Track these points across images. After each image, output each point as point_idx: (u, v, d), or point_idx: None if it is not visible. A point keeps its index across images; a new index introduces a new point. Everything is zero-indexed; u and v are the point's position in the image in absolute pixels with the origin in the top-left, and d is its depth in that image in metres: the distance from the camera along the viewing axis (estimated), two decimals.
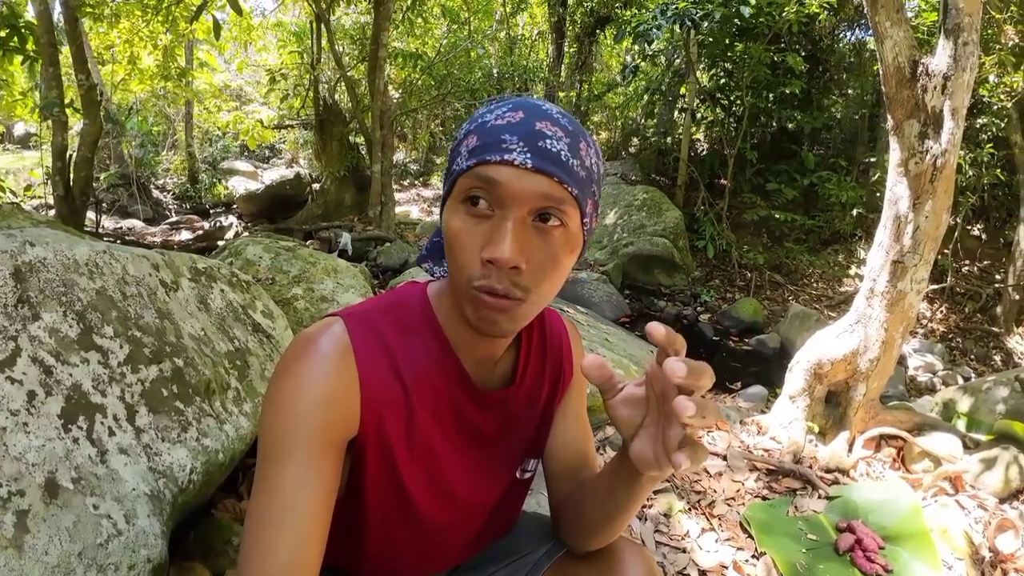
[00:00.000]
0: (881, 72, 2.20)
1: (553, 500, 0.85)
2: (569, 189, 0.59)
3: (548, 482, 0.84)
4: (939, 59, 2.09)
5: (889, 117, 2.22)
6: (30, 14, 4.73)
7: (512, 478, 0.81)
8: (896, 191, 2.24)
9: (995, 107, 5.70)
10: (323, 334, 0.65)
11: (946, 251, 6.08)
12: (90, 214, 6.37)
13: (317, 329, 0.66)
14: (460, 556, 0.85)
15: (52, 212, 5.67)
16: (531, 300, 0.62)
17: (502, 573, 0.87)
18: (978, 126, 5.98)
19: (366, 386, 0.65)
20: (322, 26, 7.64)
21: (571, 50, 10.32)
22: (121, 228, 8.50)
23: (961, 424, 2.68)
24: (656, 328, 0.52)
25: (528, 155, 0.58)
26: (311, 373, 0.62)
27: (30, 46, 3.70)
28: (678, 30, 6.86)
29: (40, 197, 7.98)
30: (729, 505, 2.03)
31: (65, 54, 5.18)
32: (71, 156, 4.78)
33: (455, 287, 0.64)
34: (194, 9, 5.23)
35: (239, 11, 4.07)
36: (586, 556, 0.82)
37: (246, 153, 14.03)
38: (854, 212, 7.12)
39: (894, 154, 2.24)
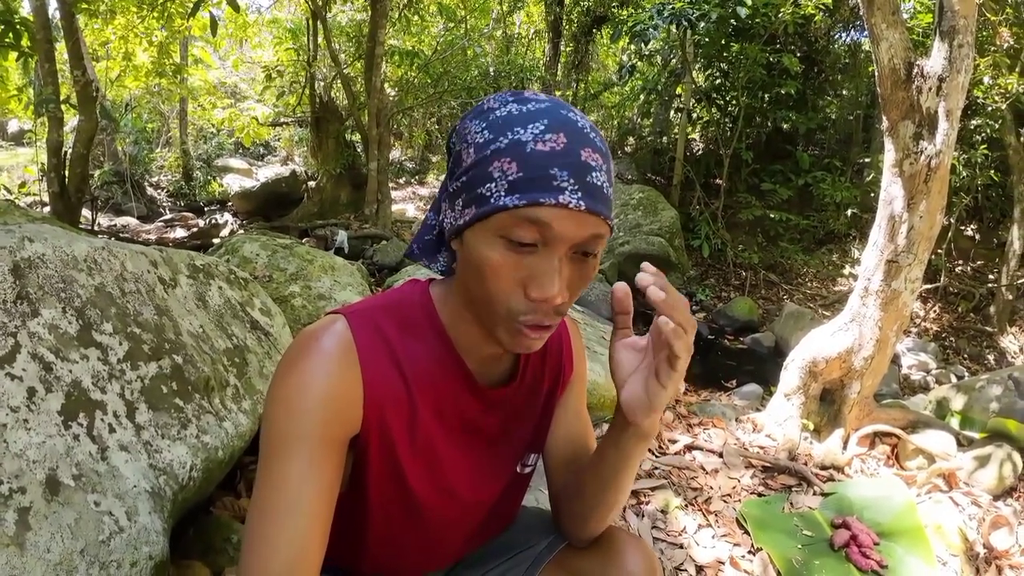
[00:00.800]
0: (877, 73, 2.21)
1: (552, 491, 0.85)
2: (610, 223, 0.62)
3: (548, 475, 0.85)
4: (934, 61, 2.11)
5: (884, 118, 2.24)
6: (25, 10, 4.70)
7: (513, 473, 0.82)
8: (891, 191, 2.25)
9: (989, 108, 5.74)
10: (326, 332, 0.66)
11: (940, 251, 6.12)
12: (85, 211, 6.34)
13: (320, 327, 0.67)
14: (461, 552, 0.85)
15: (47, 209, 5.63)
16: (562, 316, 0.65)
17: (503, 568, 0.88)
18: (972, 127, 6.02)
19: (369, 384, 0.65)
20: (318, 23, 7.62)
21: (567, 49, 10.32)
22: (115, 225, 8.46)
23: (955, 422, 2.71)
24: (643, 279, 0.58)
25: (580, 195, 0.57)
26: (314, 370, 0.63)
27: (25, 42, 3.68)
28: (674, 30, 6.87)
29: (35, 194, 7.93)
30: (725, 501, 2.04)
31: (60, 50, 5.15)
32: (66, 153, 4.76)
33: (486, 313, 0.63)
34: (190, 5, 5.21)
35: (236, 8, 4.05)
36: (587, 549, 0.83)
37: (240, 150, 13.98)
38: (848, 212, 7.16)
39: (889, 155, 2.25)
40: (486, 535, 0.86)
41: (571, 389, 0.86)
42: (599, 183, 0.58)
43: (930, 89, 2.11)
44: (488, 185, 0.58)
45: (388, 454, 0.68)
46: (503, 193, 0.57)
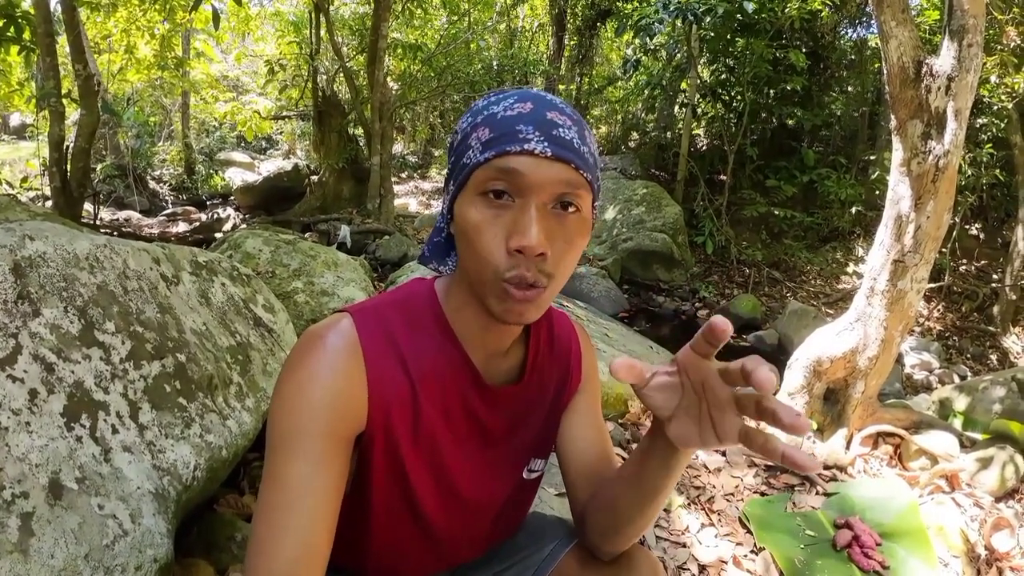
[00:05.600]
0: (885, 71, 2.19)
1: (576, 506, 0.83)
2: (584, 175, 0.62)
3: (569, 488, 0.83)
4: (943, 60, 2.09)
5: (892, 117, 2.22)
6: (27, 3, 4.68)
7: (519, 478, 0.81)
8: (898, 191, 2.24)
9: (995, 107, 5.71)
10: (331, 330, 0.66)
11: (944, 250, 6.10)
12: (87, 205, 6.33)
13: (325, 325, 0.67)
14: (465, 555, 0.84)
15: (49, 203, 5.63)
16: (553, 285, 0.63)
17: (507, 574, 0.88)
18: (978, 126, 5.98)
19: (373, 382, 0.65)
20: (321, 16, 7.58)
21: (571, 43, 10.28)
22: (118, 219, 8.46)
23: (957, 423, 2.70)
24: (722, 324, 0.52)
25: (546, 143, 0.60)
26: (319, 368, 0.63)
27: (27, 36, 3.67)
28: (680, 24, 6.83)
29: (37, 189, 7.93)
30: (728, 501, 2.04)
31: (62, 43, 5.14)
32: (68, 147, 4.75)
33: (477, 280, 0.64)
34: None
35: (238, 1, 4.03)
36: (593, 557, 0.82)
37: (243, 144, 13.97)
38: (853, 210, 7.14)
39: (897, 154, 2.23)
40: (491, 540, 0.85)
41: (583, 396, 0.85)
42: (567, 137, 0.61)
43: (939, 88, 2.09)
44: (467, 154, 0.63)
45: (392, 452, 0.68)
46: (477, 153, 0.62)
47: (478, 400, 0.73)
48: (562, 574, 0.85)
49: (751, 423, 0.55)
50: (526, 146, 0.59)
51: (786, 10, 6.31)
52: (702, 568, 1.71)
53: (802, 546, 1.81)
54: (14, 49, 3.80)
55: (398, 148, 12.63)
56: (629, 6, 8.08)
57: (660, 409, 0.60)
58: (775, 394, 0.52)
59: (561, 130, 0.61)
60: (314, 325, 0.68)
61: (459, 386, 0.71)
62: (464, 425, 0.73)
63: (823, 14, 6.73)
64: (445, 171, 0.69)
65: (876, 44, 7.12)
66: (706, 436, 0.57)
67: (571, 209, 0.62)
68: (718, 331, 0.52)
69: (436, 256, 0.76)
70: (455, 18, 10.44)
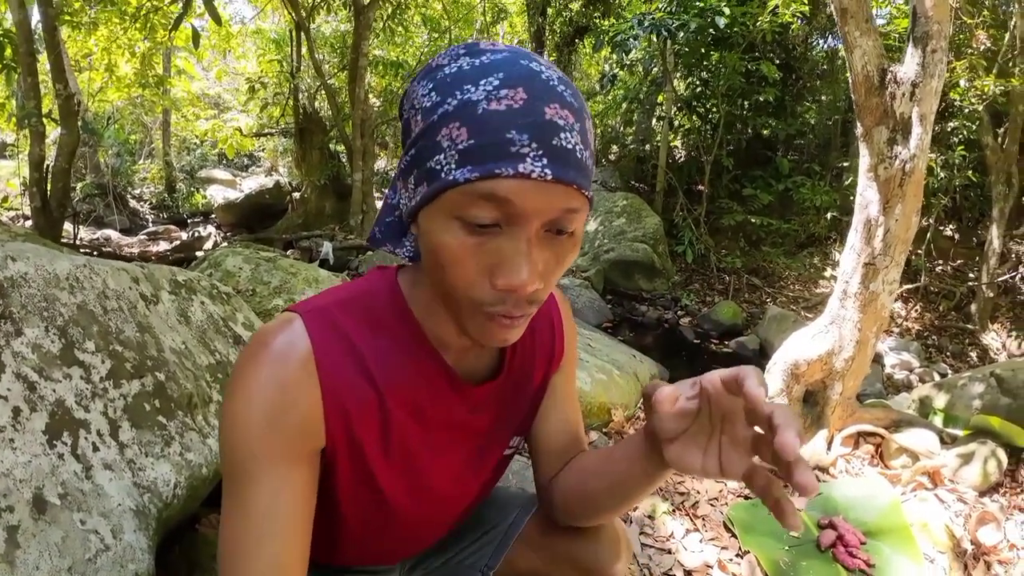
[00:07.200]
0: (851, 80, 2.25)
1: (541, 480, 0.80)
2: (586, 193, 0.52)
3: (536, 462, 0.80)
4: (907, 67, 2.15)
5: (859, 124, 2.28)
6: (8, 22, 4.66)
7: (497, 458, 0.78)
8: (866, 196, 2.29)
9: (966, 111, 5.84)
10: (278, 336, 0.58)
11: (919, 251, 6.21)
12: (67, 225, 6.26)
13: (272, 329, 0.59)
14: (438, 536, 0.83)
15: (29, 223, 5.57)
16: (538, 304, 0.58)
17: (474, 547, 0.87)
18: (949, 129, 6.12)
19: (329, 392, 0.59)
20: (302, 34, 7.62)
21: (551, 59, 10.40)
22: (98, 239, 8.36)
23: (938, 420, 2.74)
24: (755, 390, 0.48)
25: (545, 162, 0.48)
26: (266, 384, 0.56)
27: (8, 55, 3.66)
28: (655, 40, 6.95)
29: (16, 208, 7.83)
30: (712, 505, 2.06)
31: (42, 62, 5.11)
32: (48, 166, 4.71)
33: (452, 305, 0.56)
34: (172, 17, 5.19)
35: (218, 21, 4.05)
36: (553, 525, 0.82)
37: (224, 161, 13.90)
38: (828, 216, 7.27)
39: (864, 160, 2.29)
40: (463, 519, 0.83)
41: (559, 376, 0.80)
42: (569, 145, 0.49)
43: (904, 95, 2.16)
44: (437, 157, 0.50)
45: (358, 462, 0.64)
46: (453, 166, 0.49)
47: (455, 401, 0.67)
48: (525, 539, 0.85)
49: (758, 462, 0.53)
50: (521, 167, 0.47)
51: (757, 24, 6.46)
52: (688, 573, 1.73)
53: (786, 548, 1.82)
54: None
55: (380, 164, 12.63)
56: (606, 23, 8.22)
57: (667, 432, 0.55)
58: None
59: (563, 135, 0.49)
60: (262, 327, 0.60)
61: (433, 389, 0.65)
62: (442, 426, 0.68)
63: (794, 26, 6.89)
64: (403, 156, 0.57)
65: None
66: (709, 466, 0.54)
67: (567, 234, 0.53)
68: (750, 393, 0.48)
69: (389, 238, 0.67)
70: (436, 35, 10.54)
